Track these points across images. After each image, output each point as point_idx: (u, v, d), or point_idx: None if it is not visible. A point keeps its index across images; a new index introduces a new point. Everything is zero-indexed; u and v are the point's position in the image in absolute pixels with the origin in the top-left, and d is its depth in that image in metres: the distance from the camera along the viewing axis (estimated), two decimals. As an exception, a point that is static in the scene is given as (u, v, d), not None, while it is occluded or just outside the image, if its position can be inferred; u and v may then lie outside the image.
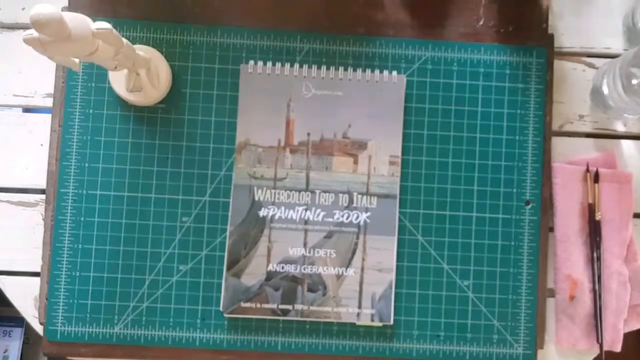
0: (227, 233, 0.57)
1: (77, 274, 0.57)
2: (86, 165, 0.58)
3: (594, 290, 0.58)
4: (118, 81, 0.56)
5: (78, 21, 0.42)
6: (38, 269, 0.58)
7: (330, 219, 0.57)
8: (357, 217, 0.57)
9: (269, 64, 0.58)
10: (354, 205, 0.57)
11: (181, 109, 0.59)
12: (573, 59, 0.62)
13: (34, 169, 0.59)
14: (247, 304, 0.56)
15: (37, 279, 0.58)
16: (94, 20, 0.43)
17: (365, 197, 0.57)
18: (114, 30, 0.44)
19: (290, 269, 0.57)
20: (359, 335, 0.58)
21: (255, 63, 0.58)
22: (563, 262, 0.59)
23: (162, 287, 0.57)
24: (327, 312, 0.56)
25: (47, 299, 0.57)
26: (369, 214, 0.57)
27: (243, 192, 0.57)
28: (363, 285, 0.57)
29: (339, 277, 0.57)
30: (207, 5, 0.60)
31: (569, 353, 0.59)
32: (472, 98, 0.59)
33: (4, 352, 1.00)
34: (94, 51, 0.44)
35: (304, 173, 0.58)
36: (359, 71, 0.58)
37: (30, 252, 0.58)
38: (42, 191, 0.59)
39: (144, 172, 0.58)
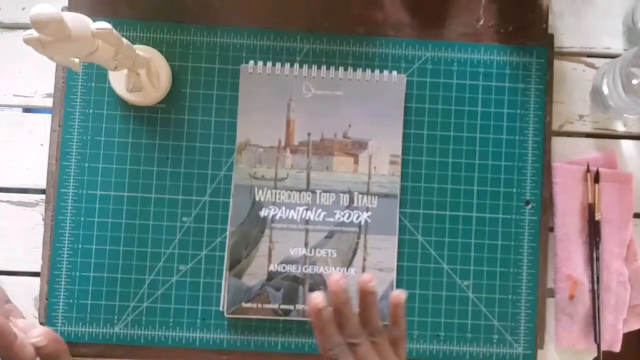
0: (228, 233, 0.57)
1: (77, 274, 0.57)
2: (86, 165, 0.58)
3: (593, 291, 0.58)
4: (118, 81, 0.56)
5: (78, 21, 0.42)
6: (38, 269, 0.58)
7: (331, 219, 0.57)
8: (358, 217, 0.57)
9: (269, 64, 0.58)
10: (355, 205, 0.57)
11: (181, 109, 0.59)
12: (573, 59, 0.62)
13: (34, 169, 0.59)
14: (249, 304, 0.56)
15: (37, 279, 0.58)
16: (94, 20, 0.43)
17: (366, 196, 0.57)
18: (114, 30, 0.44)
19: (292, 269, 0.57)
20: (359, 335, 0.58)
21: (255, 63, 0.58)
22: (563, 261, 0.59)
23: (162, 287, 0.57)
24: (327, 312, 0.56)
25: (47, 299, 0.57)
26: (369, 213, 0.57)
27: (244, 193, 0.57)
28: (364, 285, 0.57)
29: (339, 277, 0.57)
30: (207, 5, 0.60)
31: (568, 353, 0.60)
32: (472, 98, 0.59)
33: (4, 352, 0.99)
34: (94, 51, 0.44)
35: (305, 173, 0.58)
36: (359, 71, 0.58)
37: (30, 252, 0.58)
38: (42, 191, 0.59)
39: (144, 172, 0.58)
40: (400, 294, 0.47)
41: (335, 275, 0.46)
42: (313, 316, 0.46)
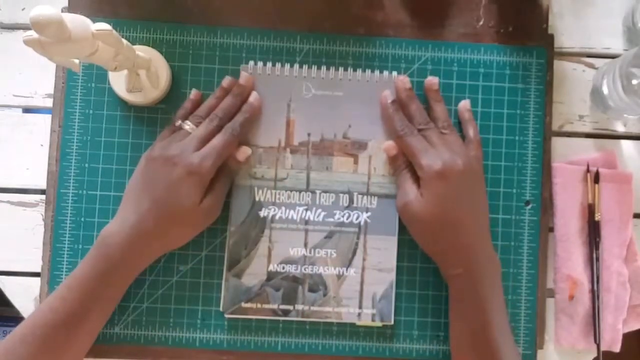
0: (228, 233, 0.57)
1: (78, 274, 0.57)
2: (86, 165, 0.58)
3: (593, 291, 0.58)
4: (118, 81, 0.56)
5: (78, 22, 0.42)
6: (38, 269, 0.58)
7: (331, 219, 0.57)
8: (358, 217, 0.57)
9: (269, 64, 0.58)
10: (355, 205, 0.57)
11: (181, 109, 0.59)
12: (573, 59, 0.62)
13: (34, 169, 0.59)
14: (248, 305, 0.56)
15: (37, 279, 0.58)
16: (94, 21, 0.43)
17: (365, 197, 0.57)
18: (114, 31, 0.44)
19: (291, 269, 0.57)
20: (359, 335, 0.58)
21: (255, 63, 0.58)
22: (563, 262, 0.59)
23: (162, 288, 0.57)
24: (327, 312, 0.56)
25: (47, 300, 0.57)
26: (369, 214, 0.57)
27: (243, 193, 0.57)
28: (364, 285, 0.57)
29: (339, 277, 0.57)
30: (207, 5, 0.60)
31: (568, 353, 0.60)
32: (472, 98, 0.59)
33: (4, 352, 0.99)
34: (94, 52, 0.44)
35: (305, 173, 0.58)
36: (359, 71, 0.58)
37: (30, 252, 0.58)
38: (42, 191, 0.59)
39: (144, 173, 0.58)
40: (465, 101, 0.58)
41: (400, 76, 0.56)
42: (383, 108, 0.56)
